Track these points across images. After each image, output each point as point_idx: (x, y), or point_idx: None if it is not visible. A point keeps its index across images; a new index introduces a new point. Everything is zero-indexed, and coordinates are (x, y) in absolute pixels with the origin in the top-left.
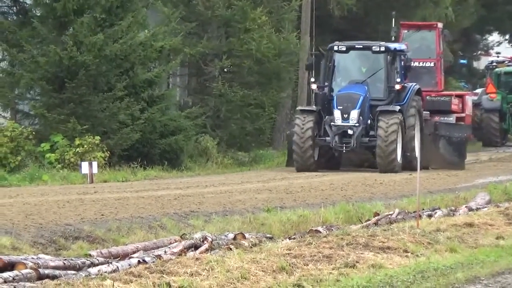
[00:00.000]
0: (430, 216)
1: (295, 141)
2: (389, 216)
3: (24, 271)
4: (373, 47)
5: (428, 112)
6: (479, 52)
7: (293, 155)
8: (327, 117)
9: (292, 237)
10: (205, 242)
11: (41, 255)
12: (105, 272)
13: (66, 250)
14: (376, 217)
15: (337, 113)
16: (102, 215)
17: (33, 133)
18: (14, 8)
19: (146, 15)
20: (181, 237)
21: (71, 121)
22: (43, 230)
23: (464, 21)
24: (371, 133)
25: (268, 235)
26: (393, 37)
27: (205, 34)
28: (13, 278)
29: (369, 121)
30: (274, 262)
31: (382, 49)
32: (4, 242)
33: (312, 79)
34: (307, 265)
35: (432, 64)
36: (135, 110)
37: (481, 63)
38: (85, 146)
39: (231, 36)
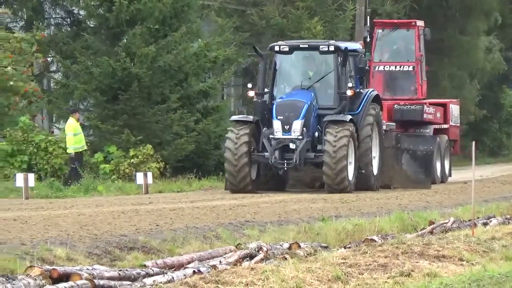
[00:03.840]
0: (485, 224)
1: (228, 157)
2: (444, 224)
3: (80, 282)
4: (321, 47)
5: (394, 124)
6: None
7: (225, 173)
8: (265, 129)
9: (347, 246)
10: (260, 251)
11: (96, 266)
12: (160, 282)
13: (121, 260)
14: (431, 226)
15: (277, 124)
16: (157, 225)
17: (87, 144)
18: (68, 19)
19: (200, 26)
20: (236, 247)
21: (125, 132)
22: (98, 241)
23: None
24: (319, 147)
25: (323, 245)
26: (367, 38)
27: (259, 43)
28: None
29: (316, 134)
30: (329, 271)
31: (331, 48)
32: (59, 253)
33: (249, 85)
34: (362, 274)
35: (410, 68)
36: (189, 121)
37: None
38: (140, 157)
39: None
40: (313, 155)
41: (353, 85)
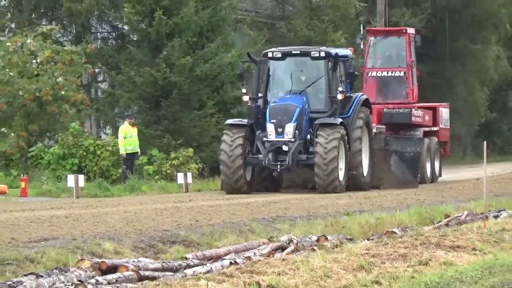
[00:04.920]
0: (496, 217)
1: (223, 159)
2: (459, 217)
3: (126, 273)
4: (312, 53)
5: (384, 126)
6: None
7: (221, 175)
8: (259, 132)
9: (370, 238)
10: (291, 244)
11: (141, 259)
12: (200, 273)
13: (164, 253)
14: (447, 219)
15: (270, 127)
16: (197, 221)
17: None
18: (113, 34)
19: (234, 38)
20: (269, 240)
21: (166, 136)
22: (142, 236)
23: None
24: (311, 149)
25: (348, 237)
26: (361, 45)
27: None
28: (116, 280)
29: (308, 136)
30: (354, 261)
31: (322, 54)
32: (107, 247)
33: (244, 90)
34: (384, 263)
35: (402, 74)
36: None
37: None
38: (180, 158)
39: None
40: (305, 157)
41: (344, 89)
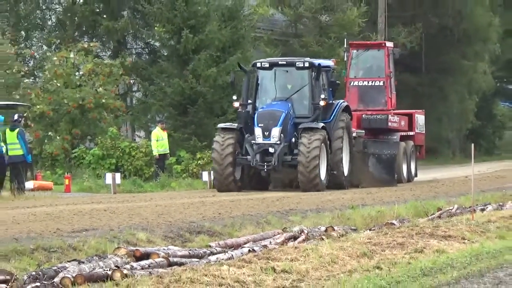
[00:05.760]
0: (482, 210)
1: (215, 160)
2: (450, 210)
3: (157, 259)
4: (297, 63)
5: (363, 131)
6: None
7: (212, 174)
8: (248, 135)
9: (372, 228)
10: (302, 234)
11: (170, 247)
12: (222, 259)
13: (191, 242)
14: (439, 212)
15: (258, 131)
16: (219, 213)
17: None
18: (146, 49)
19: (252, 53)
20: (282, 230)
21: (193, 139)
22: (172, 227)
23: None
24: (295, 151)
25: (352, 228)
26: (345, 57)
27: None
28: (149, 265)
29: (293, 139)
30: (357, 249)
31: (306, 65)
32: (141, 237)
33: (234, 97)
34: (384, 251)
35: (381, 83)
36: None
37: None
38: (205, 159)
39: None
40: (290, 158)
41: (326, 96)
